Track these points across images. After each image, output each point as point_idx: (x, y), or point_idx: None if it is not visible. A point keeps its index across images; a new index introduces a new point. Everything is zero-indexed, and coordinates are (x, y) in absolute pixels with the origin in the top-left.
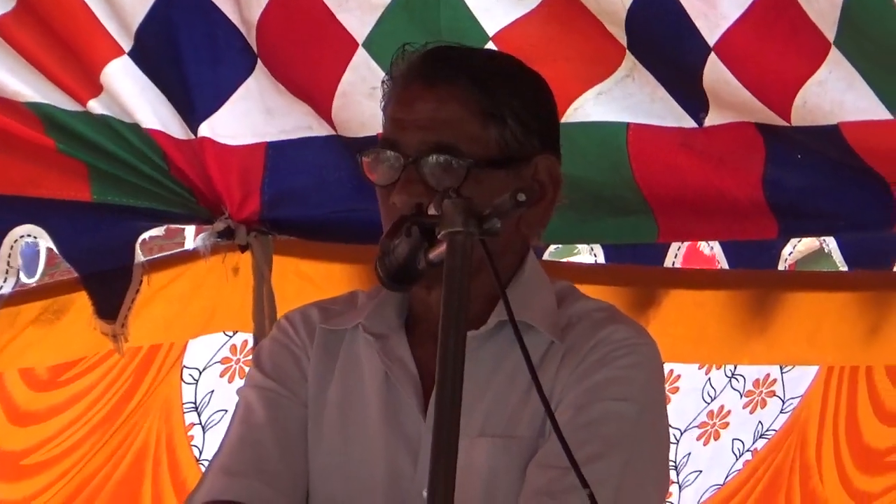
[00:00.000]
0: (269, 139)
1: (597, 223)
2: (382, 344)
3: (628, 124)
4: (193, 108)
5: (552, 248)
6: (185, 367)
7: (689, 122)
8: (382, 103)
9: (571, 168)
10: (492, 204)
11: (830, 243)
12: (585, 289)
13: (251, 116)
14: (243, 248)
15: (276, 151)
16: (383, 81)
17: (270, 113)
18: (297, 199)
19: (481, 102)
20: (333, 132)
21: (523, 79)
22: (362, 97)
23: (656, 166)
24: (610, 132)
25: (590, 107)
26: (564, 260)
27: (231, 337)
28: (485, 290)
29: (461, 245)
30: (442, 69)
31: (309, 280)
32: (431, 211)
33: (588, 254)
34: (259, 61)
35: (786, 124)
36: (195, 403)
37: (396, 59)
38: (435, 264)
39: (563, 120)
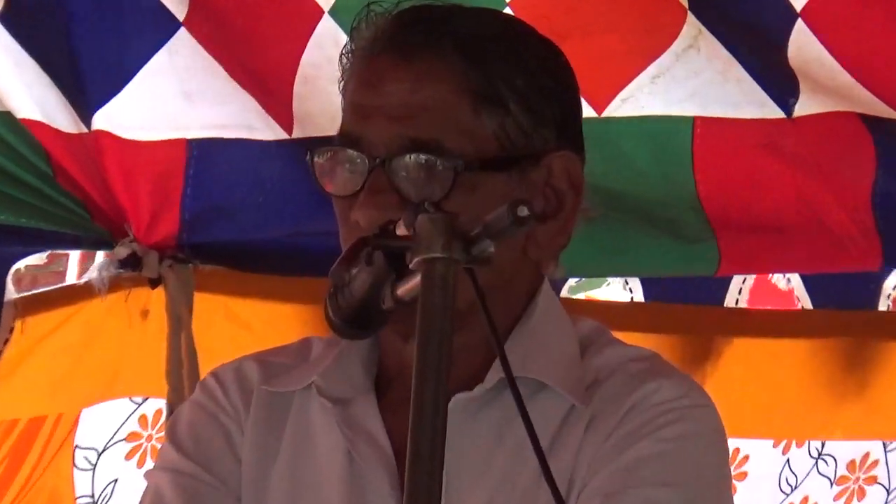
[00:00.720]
0: (190, 135)
1: (638, 251)
2: (343, 411)
3: (694, 119)
4: (86, 90)
5: (571, 281)
6: (77, 447)
7: (775, 111)
8: (341, 84)
9: (612, 180)
10: (483, 220)
11: None
12: (617, 336)
13: (165, 102)
14: (154, 283)
15: (202, 152)
16: (342, 54)
17: (190, 98)
18: (230, 217)
19: (474, 81)
20: (284, 134)
21: (531, 48)
22: (328, 83)
23: (729, 175)
24: (670, 130)
25: (644, 95)
26: (585, 296)
27: (140, 405)
28: (482, 336)
29: (441, 276)
30: (420, 36)
31: (244, 326)
32: (401, 230)
33: (622, 288)
34: (183, 28)
35: None
36: (93, 497)
37: (359, 24)
38: (405, 303)
39: (606, 114)
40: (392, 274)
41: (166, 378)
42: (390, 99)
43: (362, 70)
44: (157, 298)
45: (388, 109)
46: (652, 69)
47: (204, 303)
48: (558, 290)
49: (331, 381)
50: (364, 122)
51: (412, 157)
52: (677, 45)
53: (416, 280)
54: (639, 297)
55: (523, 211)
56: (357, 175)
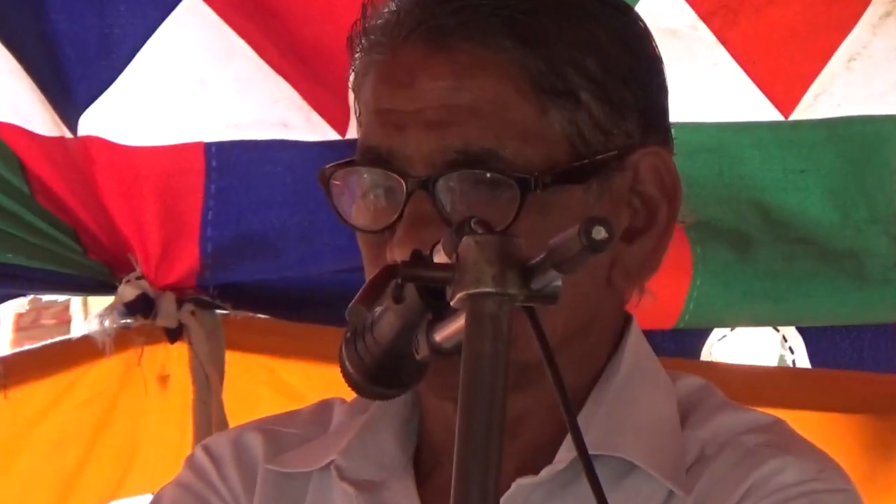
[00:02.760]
0: (209, 137)
1: (799, 291)
2: (372, 499)
3: None
4: (70, 86)
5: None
6: None
7: None
8: (352, 79)
9: (785, 198)
10: (547, 246)
11: None
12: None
13: (172, 93)
14: (173, 336)
15: (225, 160)
16: (350, 37)
17: (206, 86)
18: (267, 248)
19: (533, 69)
20: (335, 134)
21: (600, 18)
22: None
23: None
24: (869, 135)
25: (838, 88)
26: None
27: None
28: (553, 398)
29: (491, 317)
30: (458, 16)
31: (292, 394)
32: (440, 257)
33: (780, 346)
34: None
35: None
36: None
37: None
38: (446, 352)
39: (795, 116)
40: (428, 314)
41: None
42: (427, 101)
43: (385, 63)
44: (177, 357)
45: (426, 115)
46: (846, 48)
47: (239, 364)
48: (697, 350)
49: (355, 460)
50: (395, 132)
51: (464, 174)
52: (871, 13)
53: (459, 322)
54: (802, 360)
55: (600, 233)
56: (391, 203)
